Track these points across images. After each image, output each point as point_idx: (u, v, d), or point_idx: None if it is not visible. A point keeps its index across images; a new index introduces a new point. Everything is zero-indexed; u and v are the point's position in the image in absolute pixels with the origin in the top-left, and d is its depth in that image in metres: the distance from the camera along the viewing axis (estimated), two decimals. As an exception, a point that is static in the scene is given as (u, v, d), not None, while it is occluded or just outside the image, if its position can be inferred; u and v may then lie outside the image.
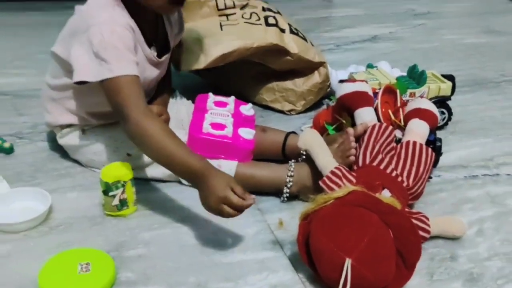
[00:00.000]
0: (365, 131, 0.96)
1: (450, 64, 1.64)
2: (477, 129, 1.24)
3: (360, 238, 0.69)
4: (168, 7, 0.87)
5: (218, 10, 1.18)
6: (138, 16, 0.87)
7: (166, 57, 0.98)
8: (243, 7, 1.20)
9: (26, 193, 0.89)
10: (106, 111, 0.89)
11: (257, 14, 1.19)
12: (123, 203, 0.87)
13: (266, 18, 1.19)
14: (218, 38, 1.13)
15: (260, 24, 1.17)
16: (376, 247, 0.70)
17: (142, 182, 0.95)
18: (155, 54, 0.94)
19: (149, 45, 0.92)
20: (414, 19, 2.13)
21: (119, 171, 0.85)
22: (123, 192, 0.86)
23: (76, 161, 1.02)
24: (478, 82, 1.52)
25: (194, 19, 1.16)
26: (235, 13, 1.19)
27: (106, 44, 0.80)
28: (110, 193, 0.85)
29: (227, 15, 1.18)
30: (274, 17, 1.20)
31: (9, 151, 1.04)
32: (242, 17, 1.18)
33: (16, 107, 1.25)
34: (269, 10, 1.22)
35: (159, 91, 1.05)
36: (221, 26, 1.16)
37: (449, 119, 1.22)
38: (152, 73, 0.96)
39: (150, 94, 1.03)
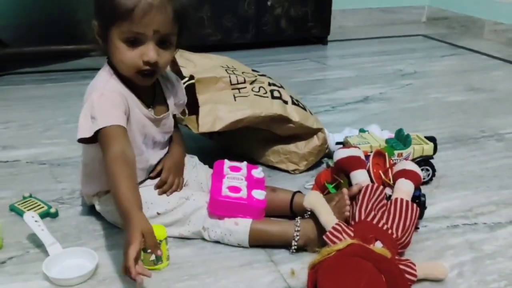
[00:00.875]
0: (359, 190, 1.13)
1: (434, 122, 1.83)
2: (457, 183, 1.41)
3: (358, 283, 0.86)
4: (139, 78, 1.05)
5: (231, 84, 1.37)
6: (133, 84, 1.07)
7: (164, 115, 1.15)
8: (252, 82, 1.39)
9: (76, 252, 1.05)
10: None
11: (264, 88, 1.39)
12: (158, 258, 1.03)
13: (271, 91, 1.39)
14: (232, 107, 1.32)
15: (267, 97, 1.37)
16: (371, 289, 0.86)
17: (171, 240, 1.11)
18: (153, 112, 1.12)
19: (147, 106, 1.11)
20: (402, 79, 2.33)
21: (156, 231, 1.01)
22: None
23: (113, 224, 1.18)
24: (459, 139, 1.70)
25: (210, 91, 1.35)
26: (245, 87, 1.38)
27: (95, 105, 1.00)
28: (148, 250, 1.01)
29: (239, 89, 1.37)
30: (278, 91, 1.40)
31: (55, 215, 1.21)
32: (252, 90, 1.37)
33: (54, 175, 1.42)
34: (274, 85, 1.42)
35: (170, 157, 1.22)
36: (234, 97, 1.35)
37: (433, 175, 1.39)
38: (153, 129, 1.13)
39: (164, 147, 1.21)
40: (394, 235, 1.03)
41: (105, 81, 1.06)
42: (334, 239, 0.98)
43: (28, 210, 1.18)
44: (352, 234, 0.99)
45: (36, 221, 1.09)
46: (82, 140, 1.03)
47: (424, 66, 2.57)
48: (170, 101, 1.19)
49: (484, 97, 2.11)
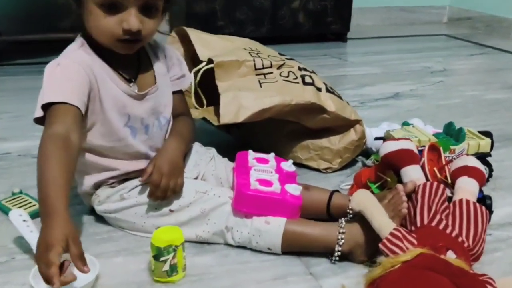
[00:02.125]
0: (414, 189, 0.94)
1: (475, 120, 1.64)
2: (517, 185, 1.22)
3: (435, 303, 0.66)
4: (118, 46, 0.88)
5: (256, 69, 1.18)
6: (110, 55, 0.90)
7: (150, 90, 0.95)
8: (279, 66, 1.20)
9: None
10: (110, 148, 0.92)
11: (293, 73, 1.20)
12: (173, 268, 0.83)
13: (303, 77, 1.20)
14: (258, 93, 1.12)
15: (298, 83, 1.18)
16: (452, 313, 0.67)
17: (188, 245, 0.92)
18: (136, 89, 0.93)
19: (129, 81, 0.93)
20: (431, 76, 2.15)
21: (171, 235, 0.82)
22: (173, 257, 0.82)
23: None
24: (508, 137, 1.51)
25: (232, 78, 1.16)
26: (272, 72, 1.19)
27: (47, 77, 0.85)
28: (162, 258, 0.82)
29: (264, 74, 1.18)
30: (310, 76, 1.21)
31: (48, 215, 1.01)
32: (280, 75, 1.19)
33: (49, 169, 1.23)
34: (305, 69, 1.23)
35: (164, 151, 0.98)
36: (260, 83, 1.16)
37: (490, 175, 1.20)
38: (139, 107, 0.94)
39: (162, 132, 1.00)
40: (466, 244, 0.84)
41: (71, 50, 0.90)
42: (394, 248, 0.78)
43: (16, 208, 0.99)
44: (415, 242, 0.80)
45: (24, 220, 0.90)
46: (37, 121, 0.86)
47: (453, 64, 2.39)
48: (160, 73, 0.99)
49: (525, 96, 1.93)
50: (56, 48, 1.97)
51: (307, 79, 1.19)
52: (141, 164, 0.97)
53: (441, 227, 0.85)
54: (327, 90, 1.20)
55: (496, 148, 1.40)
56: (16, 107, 1.65)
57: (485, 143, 1.20)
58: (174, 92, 1.03)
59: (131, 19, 0.83)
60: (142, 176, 0.93)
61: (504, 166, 1.31)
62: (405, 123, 1.30)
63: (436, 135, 1.24)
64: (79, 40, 0.92)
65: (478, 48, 2.73)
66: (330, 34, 2.76)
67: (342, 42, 2.75)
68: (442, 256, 0.76)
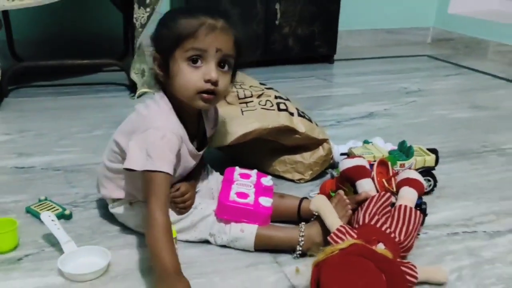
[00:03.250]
0: (367, 199, 1.18)
1: (437, 137, 1.87)
2: (459, 194, 1.44)
3: (359, 280, 0.90)
4: (199, 101, 1.06)
5: (239, 99, 1.42)
6: (185, 118, 1.10)
7: (203, 151, 1.19)
8: (259, 96, 1.45)
9: (90, 250, 1.09)
10: None
11: (270, 101, 1.44)
12: (168, 257, 1.07)
13: (278, 104, 1.44)
14: (240, 121, 1.37)
15: (274, 110, 1.42)
16: (371, 287, 0.90)
17: (180, 242, 1.15)
18: (196, 147, 1.16)
19: (191, 141, 1.13)
20: (406, 96, 2.39)
21: (166, 231, 1.06)
22: (168, 248, 1.06)
23: (124, 225, 1.22)
24: (461, 153, 1.74)
25: (220, 106, 1.40)
26: (252, 101, 1.43)
27: (156, 145, 1.02)
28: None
29: (246, 103, 1.42)
30: (285, 103, 1.45)
31: (69, 217, 1.26)
32: (259, 104, 1.43)
33: (68, 180, 1.47)
34: (280, 98, 1.47)
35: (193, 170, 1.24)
36: (242, 111, 1.40)
37: (435, 185, 1.43)
38: (191, 163, 1.17)
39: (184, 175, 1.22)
40: (397, 239, 1.07)
41: (165, 116, 1.07)
42: (338, 240, 1.02)
43: (43, 211, 1.22)
44: (355, 236, 1.03)
45: (52, 220, 1.14)
46: (129, 169, 1.04)
47: (429, 84, 2.63)
48: (209, 130, 1.22)
49: (487, 115, 2.16)
50: (71, 72, 2.25)
51: (282, 106, 1.43)
52: None
53: (378, 225, 1.08)
54: (299, 115, 1.44)
55: (448, 162, 1.65)
56: (37, 125, 1.88)
57: (430, 159, 1.43)
58: None
59: (212, 71, 1.03)
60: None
61: (451, 178, 1.54)
62: (366, 141, 1.53)
63: (392, 151, 1.47)
64: (167, 103, 1.08)
65: (455, 69, 2.96)
66: (318, 56, 3.00)
67: (329, 64, 2.99)
68: (373, 247, 0.99)
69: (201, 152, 1.19)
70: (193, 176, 1.24)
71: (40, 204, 1.30)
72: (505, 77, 2.76)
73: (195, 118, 1.16)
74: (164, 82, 1.10)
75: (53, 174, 1.51)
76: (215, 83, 1.04)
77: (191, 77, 1.04)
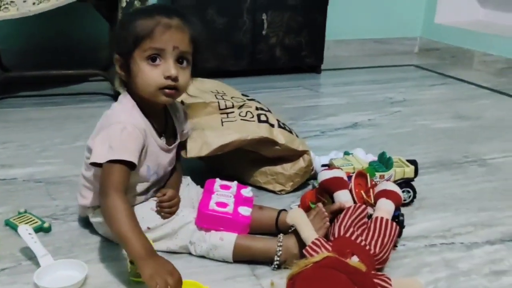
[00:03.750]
0: (341, 210, 1.19)
1: (420, 148, 1.89)
2: (438, 205, 1.46)
3: (332, 292, 0.90)
4: (161, 97, 1.10)
5: (220, 109, 1.43)
6: (150, 114, 1.14)
7: (174, 145, 1.23)
8: (240, 107, 1.46)
9: (67, 263, 1.09)
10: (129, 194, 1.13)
11: (251, 112, 1.45)
12: (145, 270, 1.07)
13: (258, 115, 1.45)
14: (219, 131, 1.38)
15: (254, 121, 1.43)
16: (344, 299, 0.91)
17: (160, 253, 1.15)
18: (165, 142, 1.19)
19: (160, 136, 1.18)
20: (391, 106, 2.41)
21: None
22: (145, 261, 1.06)
23: (103, 238, 1.22)
24: (443, 163, 1.76)
25: (199, 116, 1.41)
26: (233, 112, 1.44)
27: (116, 137, 1.05)
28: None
29: (227, 113, 1.43)
30: (265, 115, 1.46)
31: (48, 230, 1.26)
32: (239, 115, 1.44)
33: (49, 193, 1.47)
34: (261, 109, 1.48)
35: (171, 177, 1.29)
36: (222, 122, 1.41)
37: (414, 197, 1.44)
38: (165, 158, 1.20)
39: (166, 177, 1.26)
40: (372, 251, 1.08)
41: (128, 113, 1.11)
42: (313, 253, 1.03)
43: (21, 224, 1.22)
44: (330, 248, 1.04)
45: (29, 233, 1.14)
46: (94, 164, 1.08)
47: (414, 94, 2.65)
48: (179, 130, 1.26)
49: (470, 124, 2.18)
50: (57, 81, 2.23)
51: (262, 117, 1.44)
52: (140, 200, 1.21)
53: (353, 237, 1.09)
54: (279, 126, 1.46)
55: (429, 173, 1.66)
56: (20, 136, 1.88)
57: (409, 170, 1.45)
58: None
59: (171, 67, 1.07)
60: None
61: (432, 188, 1.56)
62: (346, 153, 1.55)
63: (372, 162, 1.49)
64: (130, 101, 1.13)
65: (440, 79, 2.99)
66: (305, 67, 3.02)
67: (316, 74, 3.01)
68: (347, 260, 1.00)
69: (172, 146, 1.21)
70: (173, 181, 1.27)
71: (20, 217, 1.30)
72: (489, 86, 2.79)
73: (161, 114, 1.19)
74: (127, 82, 1.14)
75: (34, 186, 1.51)
76: (175, 79, 1.08)
77: (152, 75, 1.08)
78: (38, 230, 1.24)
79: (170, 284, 0.93)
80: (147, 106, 1.14)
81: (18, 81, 2.45)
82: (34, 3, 1.97)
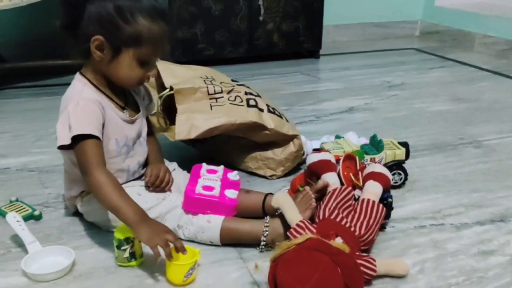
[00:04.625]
0: (325, 187, 1.19)
1: (415, 131, 1.88)
2: (430, 187, 1.45)
3: (313, 273, 0.91)
4: (134, 86, 1.18)
5: (209, 94, 1.43)
6: (108, 90, 1.16)
7: (138, 116, 1.23)
8: (229, 92, 1.45)
9: (54, 250, 1.10)
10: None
11: (240, 97, 1.45)
12: (132, 255, 1.08)
13: (247, 100, 1.45)
14: (208, 115, 1.38)
15: (243, 105, 1.42)
16: (326, 280, 0.91)
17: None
18: (128, 114, 1.20)
19: (122, 109, 1.19)
20: (388, 90, 2.39)
21: (129, 229, 1.07)
22: (132, 247, 1.07)
23: (93, 225, 1.23)
24: (437, 145, 1.75)
25: (188, 101, 1.41)
26: (222, 97, 1.44)
27: (72, 114, 1.07)
28: (122, 248, 1.06)
29: (216, 99, 1.43)
30: (255, 99, 1.46)
31: (38, 217, 1.27)
32: (228, 99, 1.43)
33: (41, 181, 1.48)
34: (251, 94, 1.48)
35: (150, 153, 1.30)
36: (211, 106, 1.41)
37: (406, 179, 1.44)
38: (131, 130, 1.21)
39: (141, 152, 1.26)
40: (357, 233, 1.08)
41: (80, 90, 1.13)
42: (297, 235, 1.03)
43: (11, 212, 1.23)
44: (314, 230, 1.04)
45: (17, 221, 1.15)
46: (61, 147, 1.10)
47: (412, 78, 2.63)
48: (140, 102, 1.27)
49: (467, 107, 2.16)
50: (54, 72, 2.24)
51: (251, 102, 1.44)
52: (121, 179, 1.20)
53: (337, 219, 1.09)
54: (269, 111, 1.45)
55: (423, 156, 1.66)
56: (15, 127, 1.90)
57: (400, 152, 1.44)
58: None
59: (155, 69, 1.15)
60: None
61: (424, 171, 1.55)
62: (337, 136, 1.54)
63: (363, 145, 1.48)
64: (81, 79, 1.15)
65: (440, 62, 2.97)
66: (304, 52, 3.00)
67: (315, 59, 2.99)
68: (330, 241, 1.00)
69: (135, 117, 1.22)
70: (153, 156, 1.30)
71: (11, 205, 1.31)
72: (489, 68, 2.76)
73: (119, 90, 1.20)
74: (95, 62, 1.12)
75: (27, 175, 1.52)
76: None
77: (138, 73, 1.12)
78: (29, 218, 1.26)
79: (170, 240, 1.00)
80: (107, 84, 1.16)
81: (14, 72, 2.47)
82: (26, -6, 1.98)
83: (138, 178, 1.26)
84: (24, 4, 1.99)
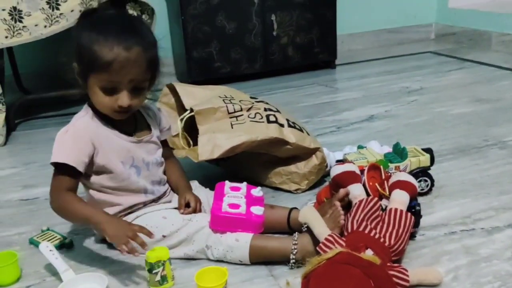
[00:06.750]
0: (347, 195, 1.20)
1: (437, 135, 1.86)
2: (457, 192, 1.43)
3: (346, 287, 0.90)
4: (115, 115, 1.15)
5: (229, 113, 1.44)
6: (111, 119, 1.17)
7: (146, 137, 1.24)
8: (248, 109, 1.46)
9: (88, 277, 1.11)
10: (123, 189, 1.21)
11: (260, 114, 1.46)
12: (163, 278, 1.09)
13: (267, 116, 1.45)
14: (229, 134, 1.39)
15: (263, 122, 1.43)
16: (359, 294, 0.90)
17: (178, 261, 1.17)
18: (135, 137, 1.22)
19: (130, 135, 1.21)
20: (407, 96, 2.38)
21: (159, 253, 1.08)
22: (163, 270, 1.08)
23: (122, 250, 1.25)
24: (462, 149, 1.73)
25: (209, 122, 1.42)
26: (242, 115, 1.45)
27: (57, 141, 1.13)
28: (153, 271, 1.08)
29: (236, 117, 1.44)
30: (274, 115, 1.47)
31: (70, 245, 1.29)
32: (248, 117, 1.44)
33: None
34: (270, 110, 1.49)
35: (177, 180, 1.33)
36: (231, 125, 1.42)
37: (432, 185, 1.42)
38: (139, 150, 1.22)
39: (161, 177, 1.29)
40: (387, 243, 1.07)
41: (77, 119, 1.17)
42: (326, 249, 1.02)
43: (44, 242, 1.25)
44: (344, 244, 1.04)
45: (50, 250, 1.17)
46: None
47: (431, 81, 2.61)
48: (153, 125, 1.28)
49: (489, 107, 2.13)
50: (75, 101, 2.28)
51: (271, 118, 1.45)
52: (140, 198, 1.24)
53: (366, 231, 1.08)
54: (289, 125, 1.46)
55: (447, 160, 1.64)
56: (42, 156, 1.91)
57: (424, 159, 1.43)
58: (162, 141, 1.32)
59: (124, 99, 1.11)
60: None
61: (450, 176, 1.53)
62: (360, 147, 1.54)
63: (387, 154, 1.47)
64: (86, 109, 1.19)
65: (458, 63, 2.94)
66: (319, 63, 3.01)
67: (331, 69, 3.00)
68: (361, 254, 0.99)
69: (143, 137, 1.23)
70: (182, 184, 1.32)
71: (43, 235, 1.34)
72: (509, 67, 2.73)
73: (129, 117, 1.21)
74: (84, 89, 1.15)
75: (56, 203, 1.55)
76: (127, 108, 1.13)
77: (104, 101, 1.12)
78: (60, 246, 1.28)
79: (130, 236, 1.05)
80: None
81: (38, 102, 2.52)
82: (45, 26, 2.02)
83: (160, 198, 1.28)
84: (44, 37, 2.03)
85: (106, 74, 1.08)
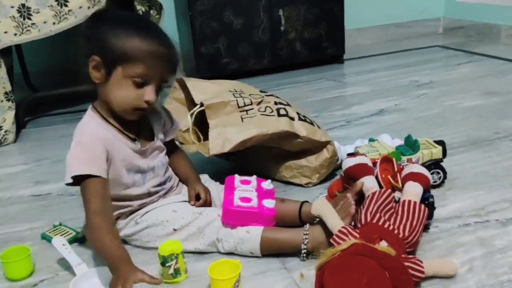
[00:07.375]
0: (361, 187, 1.20)
1: (448, 128, 1.85)
2: (471, 184, 1.42)
3: (361, 278, 0.89)
4: (133, 114, 1.13)
5: (239, 107, 1.44)
6: (116, 122, 1.15)
7: (148, 146, 1.21)
8: (259, 103, 1.46)
9: (101, 271, 1.11)
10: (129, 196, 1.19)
11: (270, 107, 1.45)
12: (177, 271, 1.09)
13: (278, 110, 1.45)
14: (240, 127, 1.38)
15: (274, 115, 1.43)
16: (375, 284, 0.90)
17: (190, 255, 1.17)
18: (139, 145, 1.19)
19: (133, 140, 1.18)
20: (417, 90, 2.36)
21: (172, 246, 1.08)
22: (176, 263, 1.08)
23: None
24: (473, 142, 1.71)
25: (219, 116, 1.41)
26: (252, 108, 1.44)
27: (72, 152, 1.09)
28: (167, 264, 1.07)
29: (246, 111, 1.44)
30: (285, 109, 1.46)
31: (83, 240, 1.29)
32: (259, 110, 1.44)
33: (82, 205, 1.50)
34: (280, 103, 1.48)
35: (187, 173, 1.33)
36: (242, 119, 1.41)
37: (445, 177, 1.41)
38: (143, 159, 1.20)
39: (166, 175, 1.27)
40: (401, 235, 1.06)
41: (85, 125, 1.14)
42: (340, 241, 1.02)
43: (56, 236, 1.26)
44: (357, 235, 1.03)
45: (63, 244, 1.17)
46: (69, 185, 1.11)
47: (440, 75, 2.59)
48: (157, 130, 1.26)
49: (499, 100, 2.12)
50: (84, 98, 2.28)
51: (282, 111, 1.44)
52: (144, 200, 1.23)
53: (380, 223, 1.07)
54: (299, 119, 1.45)
55: (459, 153, 1.63)
56: (54, 153, 1.94)
57: (437, 151, 1.42)
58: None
59: (151, 94, 1.10)
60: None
61: (463, 168, 1.52)
62: (371, 140, 1.53)
63: (398, 146, 1.47)
64: (90, 113, 1.16)
65: (467, 57, 2.92)
66: (327, 58, 3.00)
67: (339, 64, 2.99)
68: (375, 245, 0.99)
69: (146, 148, 1.21)
70: (192, 177, 1.32)
71: (55, 230, 1.34)
72: (519, 60, 2.71)
73: (130, 121, 1.18)
74: (97, 85, 1.12)
75: (68, 199, 1.55)
76: (151, 104, 1.12)
77: (131, 95, 1.09)
78: (73, 241, 1.28)
79: (143, 280, 0.98)
80: (115, 115, 1.15)
81: (47, 100, 2.52)
82: (54, 23, 2.03)
83: (168, 192, 1.28)
84: (53, 34, 2.04)
85: (142, 66, 1.07)
